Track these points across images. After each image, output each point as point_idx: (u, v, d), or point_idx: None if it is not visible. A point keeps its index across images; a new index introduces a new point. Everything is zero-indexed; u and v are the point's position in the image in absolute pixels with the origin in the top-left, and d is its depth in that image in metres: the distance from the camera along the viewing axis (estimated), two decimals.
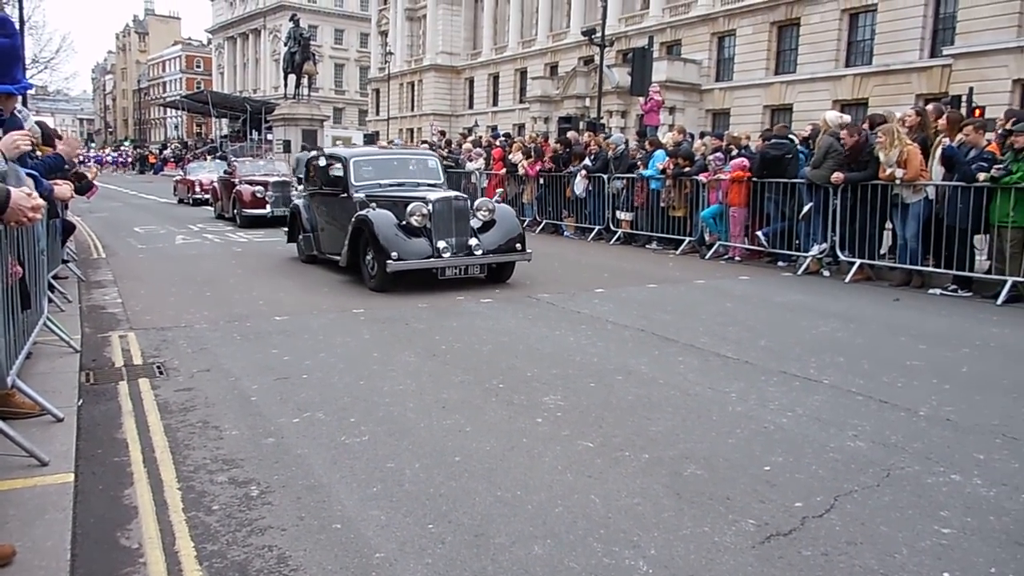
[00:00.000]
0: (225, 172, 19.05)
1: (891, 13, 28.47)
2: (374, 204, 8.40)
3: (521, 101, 47.49)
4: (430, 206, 8.19)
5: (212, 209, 19.33)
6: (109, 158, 63.17)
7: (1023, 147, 7.61)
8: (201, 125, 77.31)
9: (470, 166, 17.12)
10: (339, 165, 9.53)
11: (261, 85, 77.50)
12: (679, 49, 37.39)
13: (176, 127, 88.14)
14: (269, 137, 39.32)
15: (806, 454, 3.68)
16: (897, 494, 3.23)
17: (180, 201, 23.66)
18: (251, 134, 44.64)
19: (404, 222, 8.11)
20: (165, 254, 11.55)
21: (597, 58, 23.32)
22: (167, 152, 57.82)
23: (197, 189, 22.44)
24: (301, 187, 12.15)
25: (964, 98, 19.85)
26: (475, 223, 8.51)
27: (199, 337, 6.12)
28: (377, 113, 61.37)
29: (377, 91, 62.12)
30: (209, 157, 32.18)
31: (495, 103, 52.37)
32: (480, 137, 22.81)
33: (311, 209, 10.33)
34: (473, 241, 8.32)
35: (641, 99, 19.58)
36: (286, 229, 11.24)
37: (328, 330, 6.41)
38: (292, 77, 34.72)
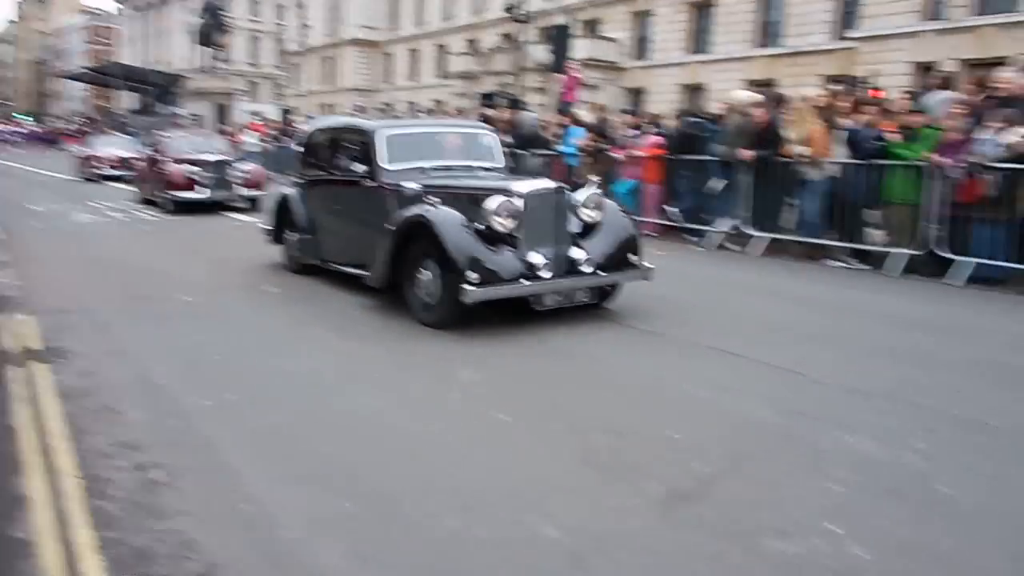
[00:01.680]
0: (151, 149, 16.58)
1: None
2: (435, 199, 5.68)
3: (442, 77, 47.03)
4: (521, 201, 5.61)
5: (132, 190, 17.71)
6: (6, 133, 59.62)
7: (918, 127, 8.01)
8: (108, 98, 73.67)
9: None
10: (359, 141, 6.94)
11: (171, 57, 74.31)
12: (599, 27, 37.64)
13: (81, 100, 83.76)
14: (181, 111, 37.84)
15: (711, 420, 3.82)
16: (794, 456, 3.39)
17: (86, 179, 22.58)
18: (161, 108, 42.78)
19: (479, 225, 5.55)
20: (67, 234, 11.00)
21: (518, 35, 23.27)
22: (67, 126, 54.91)
23: (100, 165, 21.45)
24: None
25: (866, 80, 20.67)
26: (572, 225, 5.93)
27: (103, 319, 5.88)
28: (294, 87, 59.75)
29: (294, 65, 60.43)
30: (116, 132, 30.74)
31: (415, 78, 51.71)
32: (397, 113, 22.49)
33: (308, 202, 7.60)
34: (576, 252, 5.72)
35: (561, 76, 19.66)
36: (267, 227, 8.25)
37: (240, 309, 6.26)
38: (204, 50, 33.45)
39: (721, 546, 2.63)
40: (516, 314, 5.59)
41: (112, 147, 22.75)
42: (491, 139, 7.42)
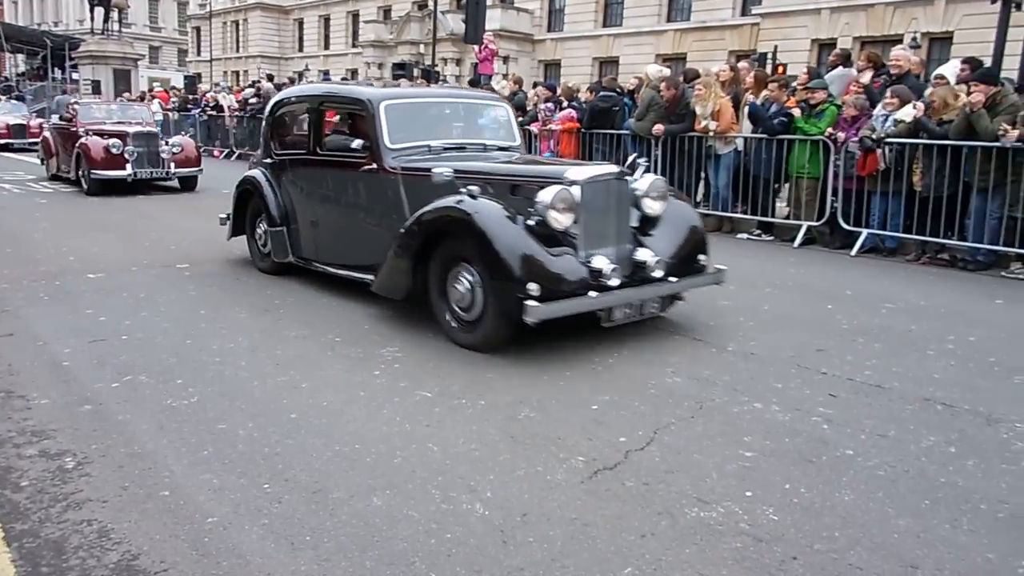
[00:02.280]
0: (58, 117, 14.93)
1: None
2: (473, 188, 4.55)
3: (354, 45, 45.96)
4: (578, 191, 4.52)
5: (25, 160, 16.89)
6: None
7: (818, 103, 8.35)
8: None
9: None
10: (349, 113, 6.18)
11: (63, 18, 69.80)
12: None
13: None
14: (75, 76, 35.72)
15: (630, 391, 3.93)
16: (708, 424, 3.54)
17: None
18: (53, 72, 40.29)
19: (530, 222, 4.45)
20: None
21: (431, 3, 22.91)
22: None
23: None
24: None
25: (770, 55, 21.35)
26: (633, 219, 4.90)
27: (0, 299, 5.58)
28: (198, 53, 57.31)
29: (198, 29, 57.90)
30: (3, 97, 28.79)
31: (327, 47, 50.35)
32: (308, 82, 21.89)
33: (283, 187, 6.33)
34: (642, 253, 4.72)
35: (475, 47, 19.50)
36: (224, 215, 7.07)
37: (150, 287, 6.03)
38: (100, 11, 31.62)
39: (645, 515, 2.74)
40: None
41: (1, 114, 21.41)
42: (505, 112, 6.31)
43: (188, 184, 12.72)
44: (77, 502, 2.77)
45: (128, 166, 11.87)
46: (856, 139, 7.82)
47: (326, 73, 37.23)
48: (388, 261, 4.97)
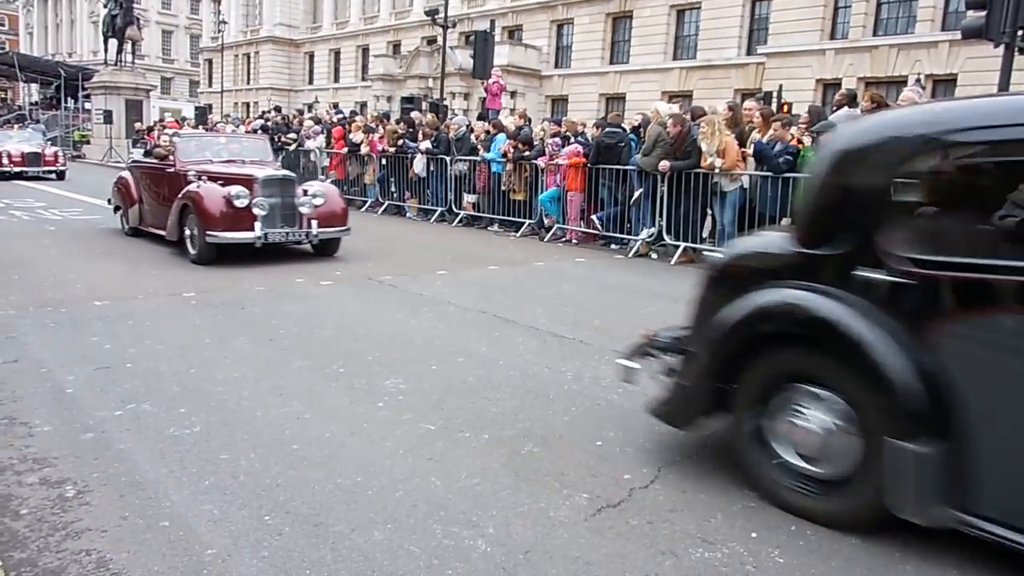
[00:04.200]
0: (143, 153, 11.51)
1: (713, 11, 30.40)
2: None
3: (363, 79, 46.51)
4: None
5: (46, 191, 16.05)
6: None
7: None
8: (6, 90, 69.90)
9: (309, 144, 16.61)
10: None
11: (77, 49, 71.02)
12: (520, 34, 38.00)
13: None
14: (87, 106, 36.21)
15: (634, 428, 3.90)
16: (713, 462, 3.51)
17: None
18: (66, 102, 40.86)
19: None
20: None
21: (440, 38, 23.24)
22: None
23: (4, 160, 20.45)
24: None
25: (775, 94, 21.55)
26: None
27: (5, 324, 5.58)
28: (210, 85, 57.99)
29: (210, 62, 58.67)
30: (17, 125, 29.13)
31: (336, 79, 50.97)
32: (317, 113, 22.15)
33: (925, 342, 2.72)
34: None
35: (484, 82, 19.74)
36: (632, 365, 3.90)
37: (155, 316, 6.04)
38: (113, 42, 32.17)
39: (649, 555, 2.70)
40: (356, 298, 5.57)
41: (13, 142, 21.65)
42: None
43: (327, 249, 9.21)
44: (76, 531, 2.75)
45: (257, 225, 8.38)
46: None
47: (336, 106, 37.69)
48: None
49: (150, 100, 33.98)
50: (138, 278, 7.58)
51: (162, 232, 9.26)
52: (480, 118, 16.35)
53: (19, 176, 20.14)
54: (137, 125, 27.41)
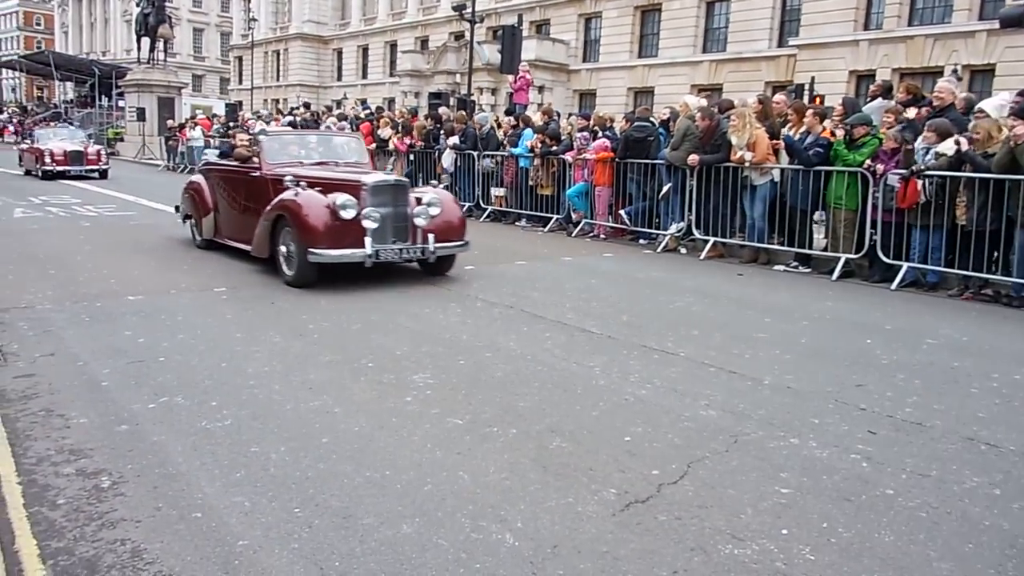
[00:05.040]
0: (219, 154, 9.66)
1: (743, 3, 30.05)
2: None
3: (391, 75, 46.73)
4: None
5: (91, 190, 15.55)
6: None
7: (859, 138, 8.27)
8: (43, 88, 71.29)
9: None
10: None
11: (111, 47, 72.23)
12: (548, 29, 37.89)
13: (13, 90, 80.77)
14: (121, 104, 36.83)
15: (663, 424, 3.88)
16: (743, 458, 3.48)
17: (27, 172, 21.79)
18: (100, 100, 41.59)
19: None
20: (2, 229, 10.62)
21: (468, 34, 23.24)
22: (2, 116, 52.92)
23: (48, 159, 20.45)
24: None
25: (807, 86, 21.25)
26: None
27: (42, 319, 5.70)
28: (240, 82, 58.70)
29: (240, 59, 59.37)
30: (55, 123, 29.65)
31: (364, 76, 51.26)
32: (345, 110, 22.25)
33: None
34: None
35: (511, 77, 19.70)
36: None
37: (187, 310, 6.12)
38: (146, 40, 32.67)
39: (677, 551, 2.68)
40: (385, 293, 5.58)
41: (56, 140, 21.58)
42: None
43: (440, 267, 7.92)
44: (111, 521, 2.80)
45: (367, 241, 6.97)
46: (895, 171, 7.72)
47: (364, 102, 37.87)
48: None
49: (182, 98, 34.44)
50: (170, 273, 7.69)
51: (243, 246, 8.10)
52: (508, 113, 16.33)
53: (62, 176, 20.15)
54: (169, 123, 27.79)
